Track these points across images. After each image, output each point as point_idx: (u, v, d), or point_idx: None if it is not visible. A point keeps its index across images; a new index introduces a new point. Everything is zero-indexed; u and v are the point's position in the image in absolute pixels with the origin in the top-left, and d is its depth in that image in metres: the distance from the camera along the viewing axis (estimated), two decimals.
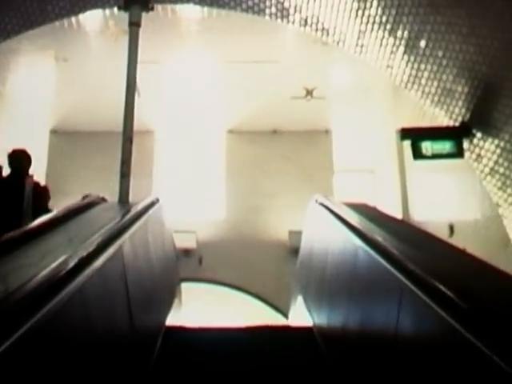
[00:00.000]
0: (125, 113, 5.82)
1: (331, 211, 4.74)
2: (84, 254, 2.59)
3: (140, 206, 4.77)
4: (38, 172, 7.20)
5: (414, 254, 2.79)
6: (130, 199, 5.75)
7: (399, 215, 11.72)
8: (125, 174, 5.58)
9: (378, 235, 3.37)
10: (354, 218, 4.07)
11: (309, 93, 12.34)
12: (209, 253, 12.80)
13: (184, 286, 10.91)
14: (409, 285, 2.48)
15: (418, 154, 8.25)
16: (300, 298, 5.82)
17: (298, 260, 6.87)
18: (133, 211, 4.44)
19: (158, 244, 5.17)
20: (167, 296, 5.42)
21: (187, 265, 12.28)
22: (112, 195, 5.62)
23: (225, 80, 12.21)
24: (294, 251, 12.28)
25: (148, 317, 4.24)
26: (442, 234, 8.85)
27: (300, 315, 5.86)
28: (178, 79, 12.12)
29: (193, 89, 12.28)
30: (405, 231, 3.94)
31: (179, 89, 12.33)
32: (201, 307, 12.75)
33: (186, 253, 12.64)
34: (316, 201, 5.67)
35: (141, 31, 10.43)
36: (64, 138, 13.45)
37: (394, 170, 12.74)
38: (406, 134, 8.50)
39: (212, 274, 12.53)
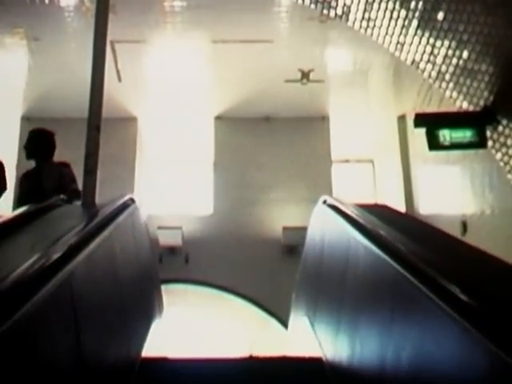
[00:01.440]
0: (91, 96, 4.84)
1: (348, 217, 3.74)
2: (12, 291, 1.91)
3: (107, 211, 3.84)
4: (8, 163, 6.47)
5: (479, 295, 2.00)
6: (106, 197, 4.72)
7: (402, 209, 10.93)
8: (90, 170, 4.55)
9: (427, 262, 2.44)
10: (382, 230, 3.10)
11: (305, 76, 11.55)
12: (196, 251, 11.93)
13: (169, 287, 10.07)
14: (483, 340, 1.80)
15: (434, 144, 7.27)
16: (306, 320, 4.82)
17: (299, 270, 5.89)
18: (97, 218, 3.59)
19: (129, 258, 4.23)
20: (142, 320, 4.45)
21: (172, 264, 11.49)
22: None
23: (212, 61, 11.43)
24: (289, 249, 11.54)
25: (111, 357, 3.30)
26: (453, 229, 8.10)
27: (304, 337, 4.92)
28: (161, 60, 11.38)
29: (178, 71, 11.58)
30: (454, 248, 2.99)
31: (163, 71, 11.63)
32: (187, 311, 11.94)
33: (171, 251, 11.80)
34: (324, 202, 4.68)
35: (121, 8, 9.45)
36: (37, 125, 12.31)
37: (396, 160, 11.94)
38: (420, 120, 7.48)
39: (199, 274, 11.66)
